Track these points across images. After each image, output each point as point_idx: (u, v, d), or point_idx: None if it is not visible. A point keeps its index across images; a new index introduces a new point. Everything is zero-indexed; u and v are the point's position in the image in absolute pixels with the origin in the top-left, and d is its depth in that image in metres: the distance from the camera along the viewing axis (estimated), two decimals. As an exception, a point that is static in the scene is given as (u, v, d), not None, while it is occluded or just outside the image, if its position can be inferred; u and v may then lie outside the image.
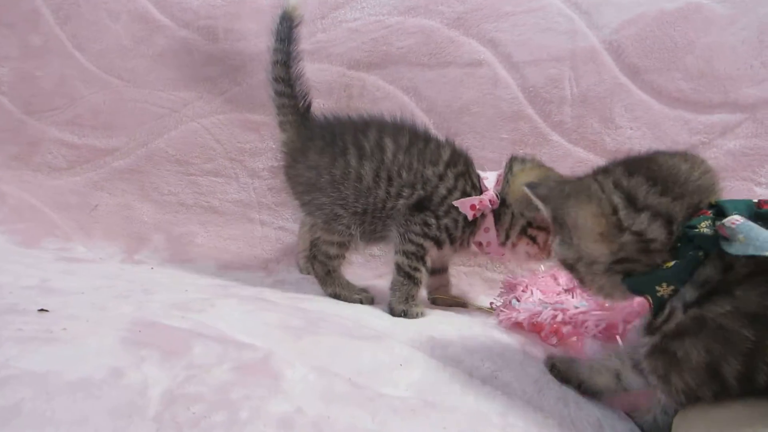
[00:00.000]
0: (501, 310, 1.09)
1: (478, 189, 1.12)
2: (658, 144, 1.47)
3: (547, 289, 1.11)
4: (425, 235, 1.11)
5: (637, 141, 1.46)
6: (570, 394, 0.84)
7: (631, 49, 1.45)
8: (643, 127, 1.46)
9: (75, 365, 0.70)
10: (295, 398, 0.70)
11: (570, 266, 0.81)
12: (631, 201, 0.73)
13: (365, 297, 1.15)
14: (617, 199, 0.74)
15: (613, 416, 0.82)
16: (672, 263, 0.71)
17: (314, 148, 1.16)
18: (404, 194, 1.12)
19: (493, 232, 1.11)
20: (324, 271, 1.17)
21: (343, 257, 1.19)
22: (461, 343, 0.93)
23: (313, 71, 1.45)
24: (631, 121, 1.46)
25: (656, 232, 0.72)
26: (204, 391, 0.70)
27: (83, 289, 1.00)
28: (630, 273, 0.75)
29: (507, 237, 1.11)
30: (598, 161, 1.45)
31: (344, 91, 1.46)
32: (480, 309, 1.20)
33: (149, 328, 0.83)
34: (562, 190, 0.81)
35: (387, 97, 1.46)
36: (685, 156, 0.77)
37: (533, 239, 1.09)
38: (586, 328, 0.98)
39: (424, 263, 1.11)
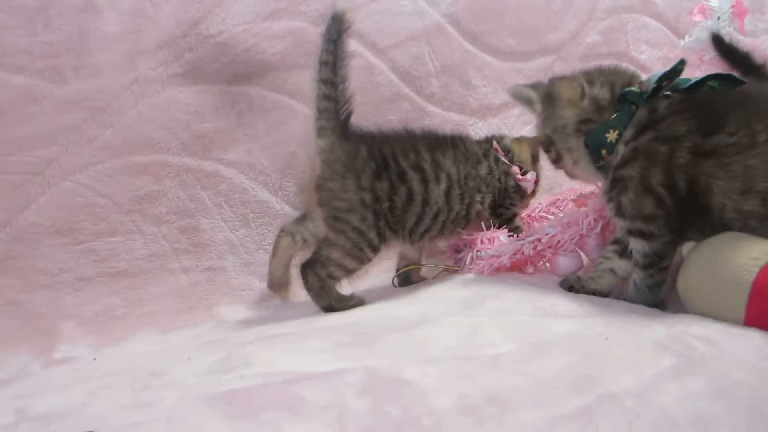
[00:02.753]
0: (476, 262, 1.21)
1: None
2: (506, 95, 1.72)
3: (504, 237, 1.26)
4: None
5: (492, 95, 1.69)
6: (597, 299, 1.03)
7: (466, 18, 1.65)
8: (493, 83, 1.69)
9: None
10: (440, 391, 0.72)
11: (550, 141, 1.13)
12: (590, 81, 1.10)
13: (358, 301, 1.15)
14: (582, 79, 1.10)
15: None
16: (615, 115, 1.04)
17: (368, 171, 1.13)
18: (478, 199, 1.27)
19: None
20: (319, 284, 1.14)
21: (340, 281, 1.16)
22: (488, 297, 1.03)
23: (192, 95, 1.35)
24: (482, 80, 1.67)
25: (604, 94, 1.07)
26: (370, 422, 0.67)
27: (80, 402, 0.82)
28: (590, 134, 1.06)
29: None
30: (469, 121, 1.65)
31: (231, 109, 1.38)
32: (447, 269, 1.30)
33: (233, 399, 0.75)
34: (549, 80, 1.17)
35: (275, 105, 1.42)
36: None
37: None
38: (564, 246, 1.16)
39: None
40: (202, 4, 1.35)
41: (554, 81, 1.13)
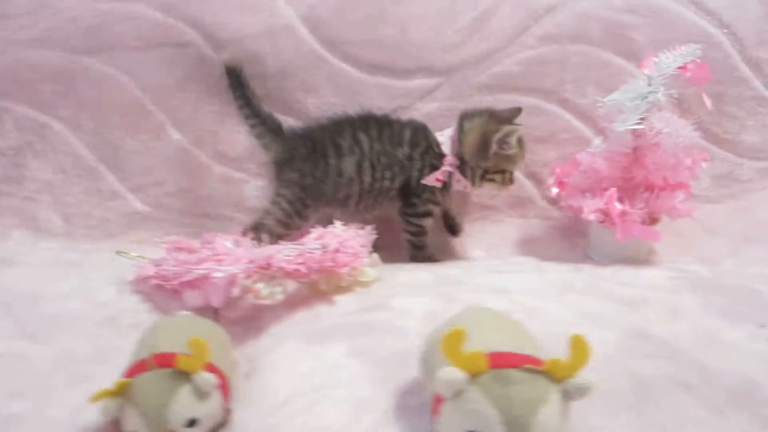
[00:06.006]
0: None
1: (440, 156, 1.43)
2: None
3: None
4: (419, 215, 1.46)
5: (341, 107, 1.57)
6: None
7: (329, 23, 1.56)
8: (347, 95, 1.58)
9: None
10: None
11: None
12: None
13: None
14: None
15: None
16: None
17: (299, 157, 1.43)
18: (387, 177, 1.43)
19: (464, 180, 1.43)
20: None
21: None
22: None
23: (38, 59, 1.58)
24: (333, 90, 1.58)
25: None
26: None
27: None
28: None
29: (473, 183, 1.43)
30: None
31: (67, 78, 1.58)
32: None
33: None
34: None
35: (106, 79, 1.58)
36: None
37: (493, 181, 1.41)
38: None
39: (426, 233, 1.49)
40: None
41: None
